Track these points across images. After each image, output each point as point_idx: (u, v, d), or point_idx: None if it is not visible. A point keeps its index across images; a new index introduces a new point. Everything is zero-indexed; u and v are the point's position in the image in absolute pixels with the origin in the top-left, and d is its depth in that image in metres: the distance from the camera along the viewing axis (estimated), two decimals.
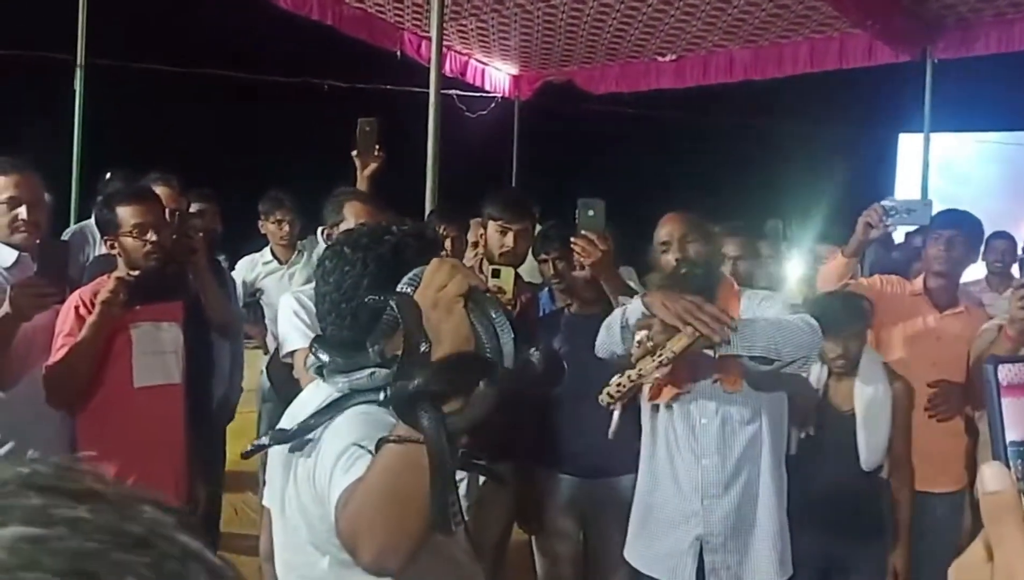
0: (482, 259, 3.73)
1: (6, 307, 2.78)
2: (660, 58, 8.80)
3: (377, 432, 1.57)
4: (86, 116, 7.39)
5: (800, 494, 3.05)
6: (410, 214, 3.53)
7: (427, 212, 4.50)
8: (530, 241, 3.74)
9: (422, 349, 1.52)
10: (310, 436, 1.76)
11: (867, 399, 3.32)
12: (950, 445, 3.78)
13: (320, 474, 1.67)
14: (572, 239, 3.19)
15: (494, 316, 1.54)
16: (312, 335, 2.78)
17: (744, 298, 2.95)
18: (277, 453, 1.89)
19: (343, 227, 3.22)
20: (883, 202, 3.65)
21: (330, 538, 1.66)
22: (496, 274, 3.41)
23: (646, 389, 2.92)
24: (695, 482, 2.86)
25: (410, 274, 1.66)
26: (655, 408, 2.95)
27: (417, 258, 1.77)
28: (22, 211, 3.17)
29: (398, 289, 1.65)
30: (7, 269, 3.14)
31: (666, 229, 3.05)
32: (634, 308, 2.74)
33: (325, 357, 1.83)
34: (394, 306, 1.60)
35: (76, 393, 3.12)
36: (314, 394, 1.92)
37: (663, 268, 3.03)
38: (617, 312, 2.86)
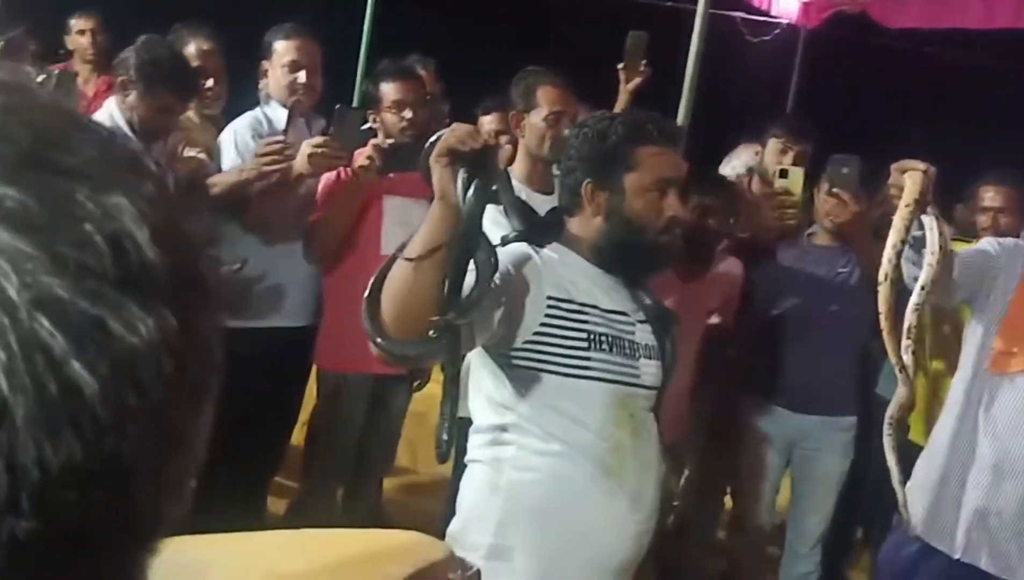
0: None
1: (304, 161, 3.05)
2: None
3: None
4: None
5: None
6: None
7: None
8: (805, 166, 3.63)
9: None
10: None
11: None
12: None
13: None
14: (823, 197, 3.05)
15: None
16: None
17: None
18: None
19: (535, 113, 3.23)
20: None
21: None
22: (784, 175, 3.34)
23: (979, 356, 2.65)
24: (995, 458, 2.63)
25: None
26: (982, 375, 2.66)
27: (620, 142, 2.01)
28: (301, 75, 3.36)
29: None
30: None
31: None
32: None
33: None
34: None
35: (330, 250, 3.37)
36: None
37: None
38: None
